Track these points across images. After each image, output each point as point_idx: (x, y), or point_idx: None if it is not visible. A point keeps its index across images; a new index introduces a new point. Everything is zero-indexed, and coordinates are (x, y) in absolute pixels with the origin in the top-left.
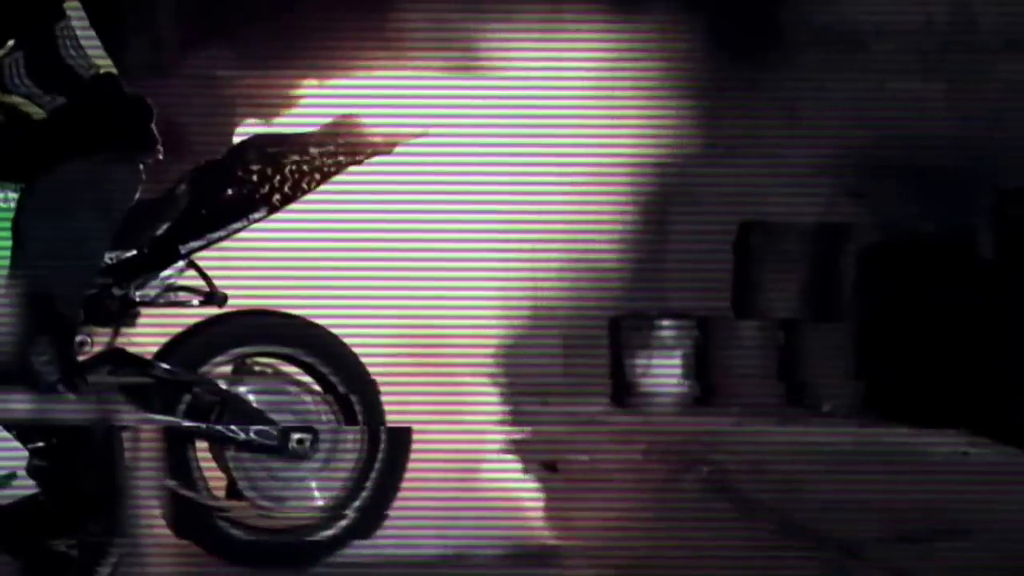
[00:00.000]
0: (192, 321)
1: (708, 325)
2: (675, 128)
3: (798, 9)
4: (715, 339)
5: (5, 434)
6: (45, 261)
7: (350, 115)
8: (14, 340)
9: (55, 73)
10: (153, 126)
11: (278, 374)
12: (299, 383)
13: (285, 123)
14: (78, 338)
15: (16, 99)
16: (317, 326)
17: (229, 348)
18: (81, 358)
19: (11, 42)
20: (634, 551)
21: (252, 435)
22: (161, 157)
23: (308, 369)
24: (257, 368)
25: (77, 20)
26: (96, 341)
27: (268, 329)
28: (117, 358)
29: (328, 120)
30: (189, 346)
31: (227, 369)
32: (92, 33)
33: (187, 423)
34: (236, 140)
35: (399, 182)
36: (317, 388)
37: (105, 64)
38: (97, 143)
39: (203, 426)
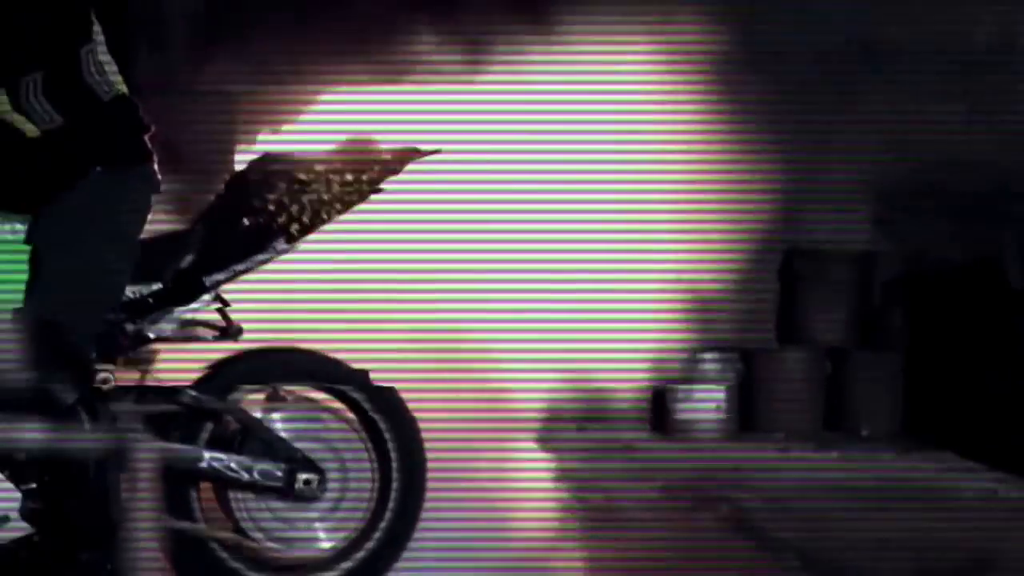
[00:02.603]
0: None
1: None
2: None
3: None
4: (758, 369)
5: None
6: (62, 290)
7: (358, 132)
8: (31, 366)
9: (75, 95)
10: (147, 139)
11: (309, 400)
12: (332, 410)
13: (293, 140)
14: (101, 375)
15: (16, 117)
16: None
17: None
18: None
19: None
20: None
21: (256, 476)
22: (159, 175)
23: (346, 400)
24: (290, 398)
25: (100, 43)
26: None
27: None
28: (143, 388)
29: (336, 138)
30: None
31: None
32: (110, 57)
33: (207, 453)
34: (240, 160)
35: (431, 200)
36: (351, 416)
37: (120, 85)
38: (88, 161)
39: (207, 463)
